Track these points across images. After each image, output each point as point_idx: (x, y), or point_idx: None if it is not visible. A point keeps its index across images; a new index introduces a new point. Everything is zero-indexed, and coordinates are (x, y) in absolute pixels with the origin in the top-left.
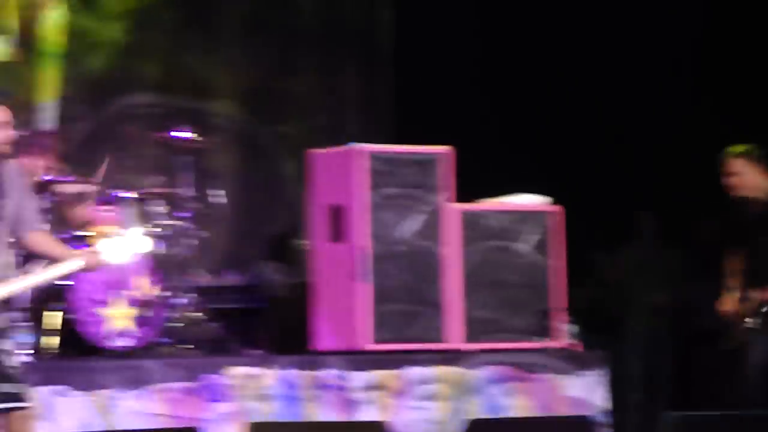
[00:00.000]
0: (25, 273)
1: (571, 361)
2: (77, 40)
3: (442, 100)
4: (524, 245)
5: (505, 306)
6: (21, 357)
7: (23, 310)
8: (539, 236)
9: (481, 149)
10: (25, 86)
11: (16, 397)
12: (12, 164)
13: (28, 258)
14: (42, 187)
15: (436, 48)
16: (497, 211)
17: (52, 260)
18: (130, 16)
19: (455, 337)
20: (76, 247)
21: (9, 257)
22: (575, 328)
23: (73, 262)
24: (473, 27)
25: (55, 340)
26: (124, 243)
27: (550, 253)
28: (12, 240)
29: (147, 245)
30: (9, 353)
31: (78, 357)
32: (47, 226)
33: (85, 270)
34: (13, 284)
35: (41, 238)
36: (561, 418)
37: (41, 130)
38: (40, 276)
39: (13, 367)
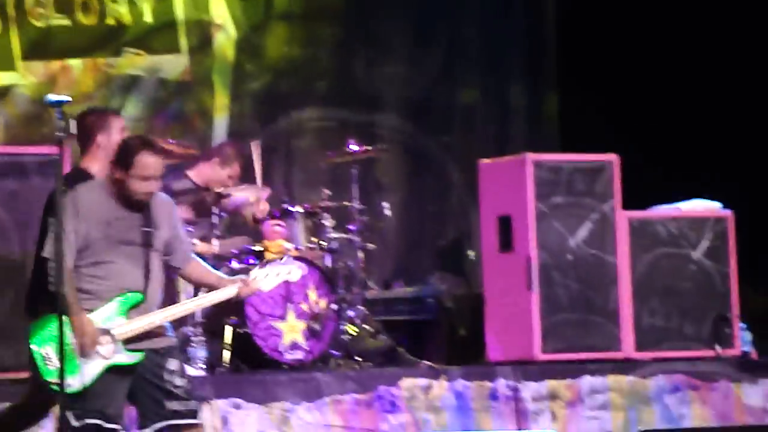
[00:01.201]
0: (181, 301)
1: (748, 369)
2: (247, 57)
3: (606, 107)
4: (695, 252)
5: (677, 314)
6: (189, 374)
7: (196, 325)
8: (710, 242)
9: (648, 156)
10: (198, 103)
11: (184, 415)
12: (161, 196)
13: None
14: (216, 199)
15: (599, 54)
16: (666, 218)
17: (208, 288)
18: (297, 32)
19: (627, 346)
20: (248, 262)
21: (161, 285)
22: (750, 335)
23: (227, 290)
24: (637, 31)
25: (228, 354)
26: (276, 271)
27: (722, 259)
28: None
29: (297, 274)
30: (176, 372)
31: (252, 370)
32: (216, 244)
33: (238, 298)
34: (169, 311)
35: (196, 268)
36: (741, 427)
37: (222, 142)
38: (196, 302)
39: (180, 386)
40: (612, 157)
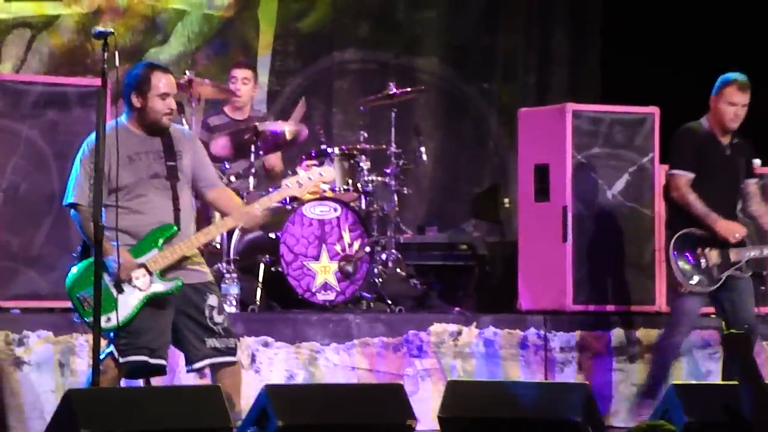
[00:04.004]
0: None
1: None
2: None
3: (649, 58)
4: None
5: None
6: (228, 310)
7: (230, 262)
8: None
9: (689, 109)
10: (242, 40)
11: (223, 352)
12: (178, 127)
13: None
14: (254, 132)
15: (643, 3)
16: None
17: (230, 216)
18: None
19: (658, 300)
20: (285, 201)
21: (193, 215)
22: None
23: (236, 218)
24: None
25: (260, 292)
26: (308, 175)
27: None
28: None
29: (330, 173)
30: (215, 308)
31: (283, 309)
32: (252, 182)
33: (245, 228)
34: (196, 239)
35: (221, 195)
36: None
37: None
38: (215, 229)
39: (218, 323)
40: (653, 110)
